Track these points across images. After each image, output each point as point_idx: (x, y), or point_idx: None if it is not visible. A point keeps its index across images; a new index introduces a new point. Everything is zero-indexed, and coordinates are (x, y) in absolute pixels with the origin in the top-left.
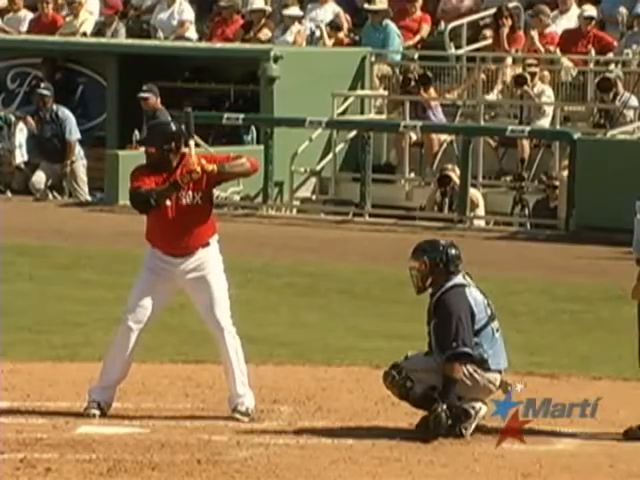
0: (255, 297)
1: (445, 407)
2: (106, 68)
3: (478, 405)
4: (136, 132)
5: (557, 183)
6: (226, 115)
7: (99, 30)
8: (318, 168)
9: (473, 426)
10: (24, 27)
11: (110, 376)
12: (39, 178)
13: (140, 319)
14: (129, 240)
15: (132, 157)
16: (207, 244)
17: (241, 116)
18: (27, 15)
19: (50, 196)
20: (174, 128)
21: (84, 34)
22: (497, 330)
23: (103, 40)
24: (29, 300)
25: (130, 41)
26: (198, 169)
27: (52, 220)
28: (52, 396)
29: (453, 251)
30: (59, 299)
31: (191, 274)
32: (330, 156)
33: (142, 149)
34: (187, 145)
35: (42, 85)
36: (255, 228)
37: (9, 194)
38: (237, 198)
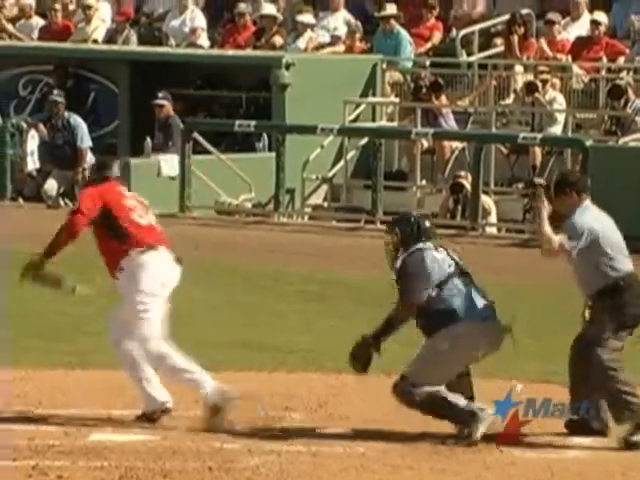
0: (266, 304)
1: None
2: (118, 75)
3: (485, 408)
4: (148, 140)
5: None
6: (238, 122)
7: (111, 37)
8: (330, 175)
9: (482, 430)
10: (35, 34)
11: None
12: (51, 185)
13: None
14: None
15: (144, 165)
16: (121, 269)
17: (253, 123)
18: (38, 22)
19: (62, 203)
20: None
21: (96, 41)
22: (466, 285)
23: (115, 47)
24: (40, 306)
25: (142, 48)
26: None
27: None
28: (64, 403)
29: (425, 223)
30: (70, 306)
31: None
32: (342, 163)
33: (156, 156)
34: None
35: (54, 92)
36: (266, 235)
37: (21, 201)
38: (248, 205)
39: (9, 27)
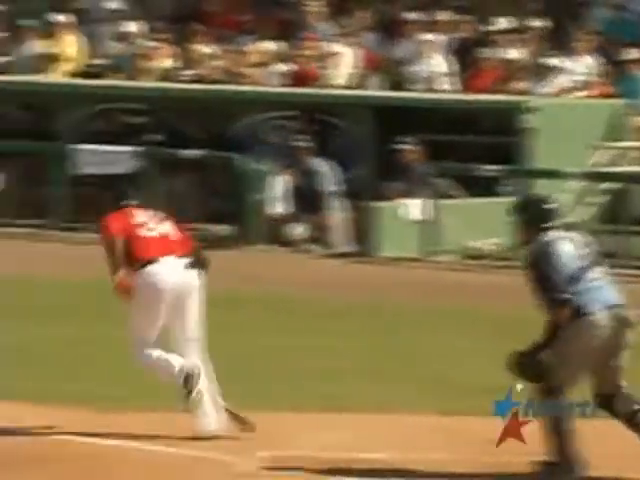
0: (487, 347)
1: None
2: (362, 120)
3: None
4: (392, 184)
5: None
6: (482, 166)
7: (354, 82)
8: (575, 220)
9: None
10: (278, 80)
11: None
12: (297, 229)
13: None
14: (391, 291)
15: (388, 209)
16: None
17: (497, 167)
18: (281, 68)
19: (309, 247)
20: None
21: (340, 86)
22: (594, 280)
23: (359, 92)
24: (278, 352)
25: (386, 93)
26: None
27: (311, 271)
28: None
29: (542, 207)
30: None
31: None
32: (587, 208)
33: (400, 200)
34: None
35: (299, 137)
36: (506, 279)
37: (264, 246)
38: (494, 249)
39: (254, 72)
